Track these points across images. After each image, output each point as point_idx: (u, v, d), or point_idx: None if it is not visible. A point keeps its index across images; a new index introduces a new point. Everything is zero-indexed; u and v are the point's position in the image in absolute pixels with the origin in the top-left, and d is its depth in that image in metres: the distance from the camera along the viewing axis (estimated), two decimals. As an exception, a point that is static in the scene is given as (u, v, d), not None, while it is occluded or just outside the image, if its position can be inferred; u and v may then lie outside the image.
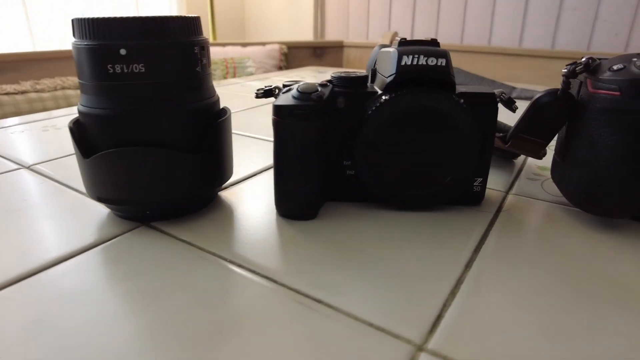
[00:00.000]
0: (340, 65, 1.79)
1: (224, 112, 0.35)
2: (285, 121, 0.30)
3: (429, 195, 0.33)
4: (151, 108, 0.29)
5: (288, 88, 0.31)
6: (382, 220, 0.33)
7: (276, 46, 1.65)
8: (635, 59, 0.29)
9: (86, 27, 0.28)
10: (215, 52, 1.59)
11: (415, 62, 0.31)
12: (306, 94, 0.30)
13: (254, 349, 0.20)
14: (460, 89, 0.33)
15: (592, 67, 0.31)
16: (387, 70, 0.31)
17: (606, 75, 0.30)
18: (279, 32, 2.01)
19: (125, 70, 0.28)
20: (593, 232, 0.32)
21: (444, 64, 0.30)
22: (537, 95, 0.34)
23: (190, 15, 0.31)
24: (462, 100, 0.31)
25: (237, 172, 0.42)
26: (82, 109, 0.30)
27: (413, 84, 0.31)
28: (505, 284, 0.26)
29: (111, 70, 0.28)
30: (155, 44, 0.28)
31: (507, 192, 0.38)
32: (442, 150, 0.32)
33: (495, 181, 0.41)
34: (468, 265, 0.27)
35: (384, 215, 0.33)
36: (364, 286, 0.25)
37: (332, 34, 1.89)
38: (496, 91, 0.33)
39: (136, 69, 0.28)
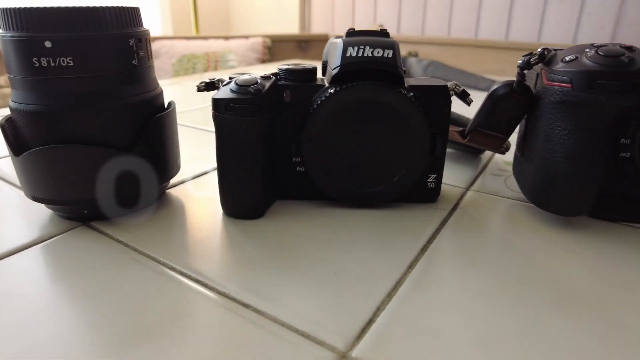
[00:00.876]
0: (325, 58, 1.77)
1: (169, 106, 0.33)
2: (223, 116, 0.28)
3: (380, 192, 0.32)
4: (83, 103, 0.28)
5: (228, 81, 0.30)
6: (332, 219, 0.32)
7: (259, 39, 1.63)
8: (587, 50, 0.28)
9: (11, 18, 0.26)
10: (197, 46, 1.57)
11: (360, 54, 0.29)
12: (244, 87, 0.28)
13: (167, 357, 0.19)
14: (411, 81, 0.32)
15: (547, 58, 0.30)
16: (334, 62, 0.30)
17: (559, 66, 0.28)
18: (265, 26, 1.99)
19: (52, 64, 0.26)
20: (549, 230, 0.31)
21: (390, 55, 0.29)
22: (493, 88, 0.32)
23: (126, 6, 0.29)
24: (411, 94, 0.30)
25: (194, 169, 0.41)
26: (12, 104, 0.29)
27: (361, 76, 0.30)
28: (446, 286, 0.24)
29: (37, 64, 0.26)
30: (83, 36, 0.27)
31: (467, 189, 0.37)
32: (391, 145, 0.31)
33: (457, 177, 0.39)
34: (411, 266, 0.26)
35: (334, 214, 0.32)
36: (297, 290, 0.24)
37: (318, 27, 1.87)
38: (449, 84, 0.31)
39: (64, 62, 0.27)
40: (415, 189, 0.33)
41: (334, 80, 0.30)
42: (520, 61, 0.31)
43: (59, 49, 0.26)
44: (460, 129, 0.37)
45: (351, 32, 0.31)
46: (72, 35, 0.26)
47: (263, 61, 1.61)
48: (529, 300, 0.23)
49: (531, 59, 0.30)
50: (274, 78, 0.31)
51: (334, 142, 0.31)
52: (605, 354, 0.20)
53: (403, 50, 1.55)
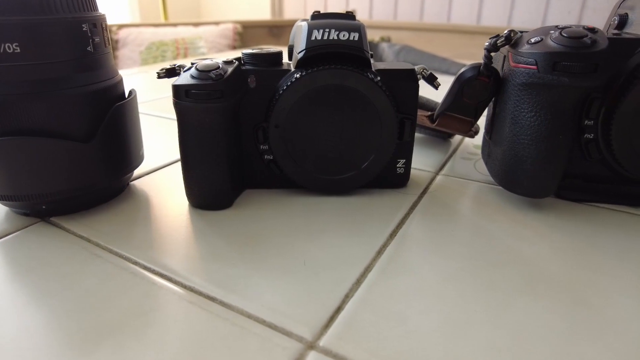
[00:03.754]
0: (298, 45, 1.75)
1: (129, 95, 0.32)
2: (183, 103, 0.27)
3: (349, 179, 0.32)
4: (32, 93, 0.26)
5: (189, 67, 0.29)
6: (301, 207, 0.31)
7: (230, 25, 1.59)
8: (552, 32, 0.28)
9: (-49, 2, 0.25)
10: (165, 33, 1.53)
11: (325, 37, 0.29)
12: (205, 72, 0.27)
13: (128, 355, 0.19)
14: (379, 65, 0.31)
15: (513, 40, 0.30)
16: (299, 46, 0.29)
17: (524, 48, 0.28)
18: (236, 12, 1.95)
19: (-4, 51, 0.25)
20: (517, 212, 0.31)
21: (356, 38, 0.29)
22: (461, 70, 0.32)
23: (78, -12, 0.28)
24: (378, 78, 0.29)
25: (160, 159, 0.40)
26: (-42, 94, 0.27)
27: (327, 60, 0.29)
28: (415, 270, 0.24)
29: (-21, 51, 0.25)
30: (29, 21, 0.25)
31: (436, 173, 0.37)
32: (358, 131, 0.30)
33: (427, 162, 0.39)
34: (380, 251, 0.26)
35: (304, 202, 0.32)
36: (264, 281, 0.23)
37: (290, 13, 1.85)
38: (417, 67, 0.31)
39: (9, 48, 0.25)
40: (384, 174, 0.32)
41: (299, 65, 0.29)
42: (487, 43, 0.31)
43: (3, 35, 0.25)
44: (429, 113, 0.37)
45: (317, 15, 0.30)
46: (16, 19, 0.25)
47: (234, 47, 1.58)
48: (497, 283, 0.23)
49: (497, 41, 0.30)
50: (236, 63, 0.30)
51: (301, 128, 0.30)
52: (571, 334, 0.20)
53: (375, 36, 1.54)
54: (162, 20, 1.79)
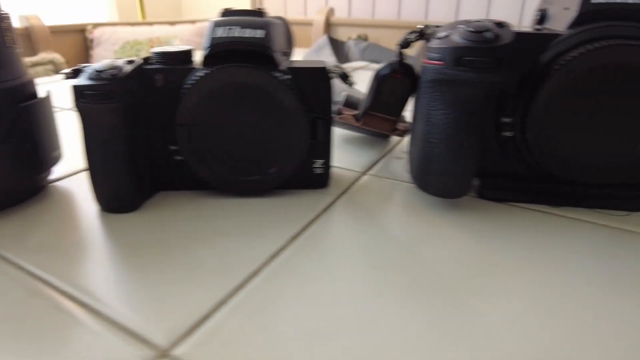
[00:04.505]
0: (277, 43, 1.74)
1: (41, 95, 0.31)
2: (80, 104, 0.26)
3: (260, 180, 0.31)
4: None
5: (87, 66, 0.28)
6: (211, 210, 0.30)
7: (206, 24, 1.58)
8: (460, 26, 0.27)
9: None
10: (141, 32, 1.51)
11: (229, 34, 0.28)
12: (99, 73, 0.26)
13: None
14: (293, 63, 0.30)
15: (426, 35, 0.29)
16: (204, 43, 0.29)
17: (433, 44, 0.28)
18: (217, 10, 1.94)
19: None
20: (432, 213, 0.30)
21: (261, 35, 0.28)
22: (378, 68, 0.31)
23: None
24: (286, 76, 0.28)
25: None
26: None
27: (233, 58, 0.28)
28: (304, 276, 0.23)
29: None
30: None
31: (364, 173, 0.36)
32: (267, 131, 0.29)
33: (358, 161, 0.39)
34: (275, 255, 0.25)
35: (215, 205, 0.31)
36: (141, 286, 0.22)
37: (270, 11, 1.83)
38: (330, 65, 0.30)
39: None
40: (301, 175, 0.32)
41: (204, 63, 0.28)
42: (402, 39, 0.30)
43: None
44: (356, 112, 0.36)
45: (225, 12, 0.30)
46: None
47: (211, 47, 1.56)
48: (385, 287, 0.23)
49: (410, 37, 0.29)
50: (140, 62, 0.29)
51: (208, 128, 0.29)
52: (441, 341, 0.19)
53: (353, 33, 1.53)
54: (140, 19, 1.77)
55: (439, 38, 0.27)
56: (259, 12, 0.29)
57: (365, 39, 1.52)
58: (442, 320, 0.20)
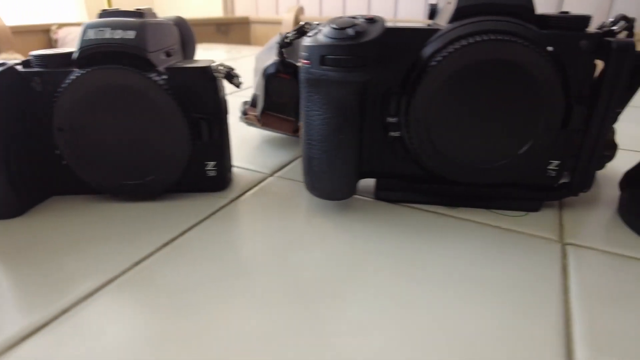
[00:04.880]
0: (247, 42, 1.72)
1: None
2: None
3: (145, 184, 0.30)
4: None
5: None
6: (95, 214, 0.29)
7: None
8: (330, 23, 0.26)
9: None
10: (107, 32, 1.49)
11: (100, 36, 0.27)
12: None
13: None
14: (177, 64, 0.29)
15: (305, 33, 0.29)
16: (76, 45, 0.28)
17: (304, 42, 0.27)
18: (191, 8, 1.92)
19: None
20: (321, 216, 0.30)
21: (131, 36, 0.27)
22: (264, 66, 0.31)
23: None
24: (161, 77, 0.28)
25: None
26: None
27: (108, 59, 0.27)
28: (156, 285, 0.23)
29: None
30: None
31: (270, 174, 0.36)
32: (146, 133, 0.29)
33: (268, 163, 0.38)
34: (137, 263, 0.24)
35: (102, 208, 0.30)
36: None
37: (242, 10, 1.82)
38: (214, 64, 0.29)
39: None
40: (193, 177, 0.31)
41: (77, 65, 0.28)
42: (280, 38, 0.29)
43: None
44: (257, 113, 0.35)
45: (102, 13, 0.29)
46: None
47: (178, 46, 1.54)
48: (239, 293, 0.22)
49: (290, 35, 0.28)
50: (13, 64, 0.28)
51: (86, 131, 0.28)
52: (287, 345, 0.19)
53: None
54: (108, 19, 1.74)
55: (310, 36, 0.27)
56: (138, 13, 0.29)
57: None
58: (292, 323, 0.20)
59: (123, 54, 0.27)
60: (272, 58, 0.33)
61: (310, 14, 1.65)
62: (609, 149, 0.36)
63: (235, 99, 0.42)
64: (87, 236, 0.27)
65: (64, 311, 0.21)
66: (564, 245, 0.27)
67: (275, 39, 0.67)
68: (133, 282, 0.23)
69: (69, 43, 1.45)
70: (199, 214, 0.30)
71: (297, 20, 1.57)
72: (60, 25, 1.46)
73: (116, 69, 0.27)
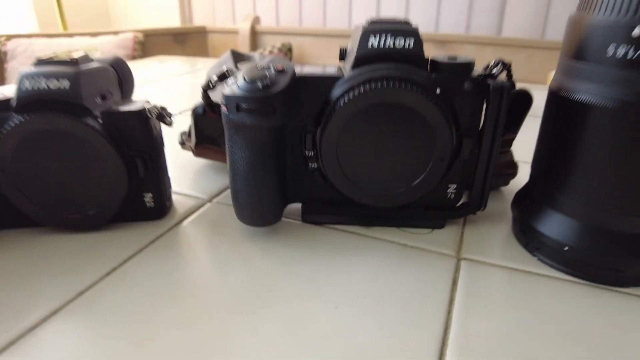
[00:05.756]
0: (205, 52, 1.74)
1: None
2: None
3: (84, 219, 0.32)
4: None
5: None
6: (41, 247, 0.32)
7: (129, 35, 1.56)
8: (242, 74, 0.29)
9: None
10: (60, 44, 1.48)
11: (35, 86, 0.29)
12: None
13: None
14: (112, 107, 0.32)
15: (225, 80, 0.32)
16: (14, 94, 0.30)
17: (224, 91, 0.29)
18: (147, 19, 1.92)
19: None
20: (250, 241, 0.33)
21: (66, 86, 0.29)
22: (194, 106, 0.34)
23: None
24: (97, 121, 0.30)
25: None
26: None
27: (45, 105, 0.30)
28: (108, 312, 0.26)
29: None
30: None
31: (209, 200, 0.39)
32: (84, 173, 0.31)
33: (208, 188, 0.41)
34: (82, 292, 0.27)
35: (43, 242, 0.32)
36: None
37: (200, 20, 1.83)
38: (148, 106, 0.32)
39: None
40: (133, 208, 0.34)
41: (16, 111, 0.30)
42: (205, 82, 0.32)
43: None
44: (193, 143, 0.38)
45: (38, 62, 0.31)
46: None
47: (134, 57, 1.55)
48: (154, 317, 0.25)
49: (213, 79, 0.32)
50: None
51: (29, 172, 0.31)
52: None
53: (278, 42, 1.56)
54: (61, 30, 1.72)
55: (227, 85, 0.30)
56: (73, 62, 0.31)
57: (289, 48, 1.55)
58: (206, 341, 0.23)
59: (59, 101, 0.30)
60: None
61: (267, 23, 1.68)
62: (510, 168, 0.41)
63: (183, 118, 0.44)
64: (33, 267, 0.29)
65: (11, 343, 0.23)
66: (459, 260, 0.31)
67: (225, 55, 0.70)
68: (78, 311, 0.26)
69: (19, 55, 1.43)
70: (138, 243, 0.32)
71: (253, 30, 1.60)
72: (9, 37, 1.44)
73: (52, 115, 0.29)
